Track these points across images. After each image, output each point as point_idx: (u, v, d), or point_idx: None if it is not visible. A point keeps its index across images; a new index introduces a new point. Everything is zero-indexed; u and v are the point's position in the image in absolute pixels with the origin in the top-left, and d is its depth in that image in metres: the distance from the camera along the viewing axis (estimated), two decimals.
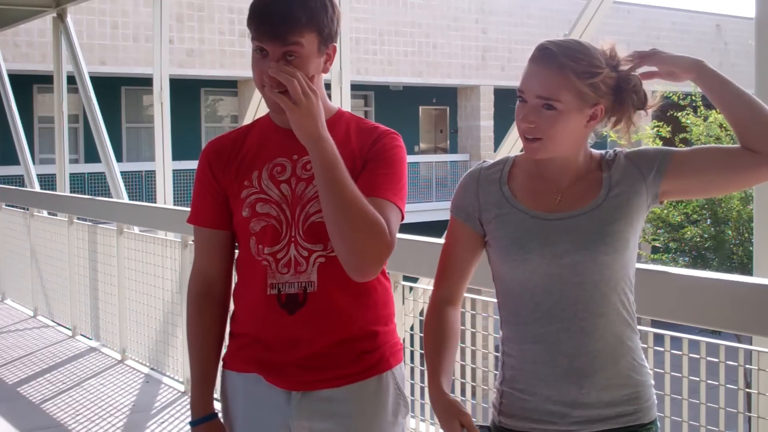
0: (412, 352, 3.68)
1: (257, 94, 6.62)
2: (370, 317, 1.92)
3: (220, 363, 2.02)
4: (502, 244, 1.80)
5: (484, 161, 1.94)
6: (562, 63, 1.76)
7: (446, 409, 1.72)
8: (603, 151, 1.90)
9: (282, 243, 1.87)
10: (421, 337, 3.64)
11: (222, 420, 2.00)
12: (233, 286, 2.02)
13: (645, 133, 18.99)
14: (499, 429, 1.84)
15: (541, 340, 1.77)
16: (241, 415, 1.95)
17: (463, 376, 3.47)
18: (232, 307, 2.03)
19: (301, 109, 1.73)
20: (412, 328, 3.69)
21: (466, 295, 3.43)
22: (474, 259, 1.89)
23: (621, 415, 1.77)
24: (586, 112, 1.78)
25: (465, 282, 1.91)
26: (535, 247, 1.76)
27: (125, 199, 7.88)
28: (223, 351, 2.03)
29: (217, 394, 2.00)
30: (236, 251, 2.01)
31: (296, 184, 1.88)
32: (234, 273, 2.02)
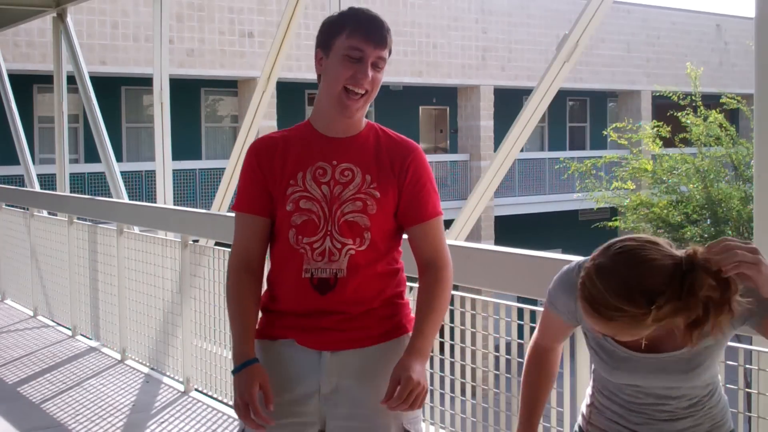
0: None
1: (257, 94, 6.62)
2: (388, 292, 2.27)
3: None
4: (595, 358, 1.96)
5: (580, 262, 1.92)
6: (611, 316, 1.71)
7: None
8: None
9: (319, 235, 2.21)
10: None
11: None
12: (266, 272, 2.33)
13: (645, 132, 18.99)
14: None
15: (621, 417, 1.99)
16: (278, 372, 2.22)
17: (463, 376, 3.47)
18: (264, 286, 2.34)
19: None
20: None
21: (465, 295, 3.45)
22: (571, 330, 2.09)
23: None
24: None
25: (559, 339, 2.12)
26: (623, 376, 1.91)
27: (125, 199, 7.88)
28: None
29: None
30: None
31: (334, 186, 2.22)
32: (267, 260, 2.33)
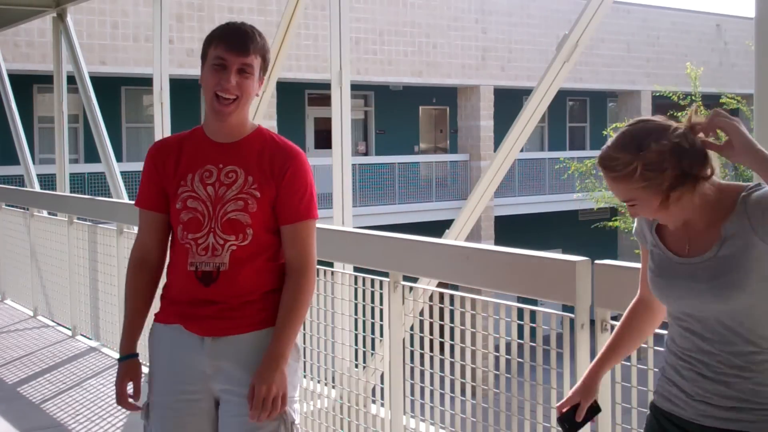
0: (412, 352, 3.67)
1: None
2: (269, 287, 2.47)
3: (152, 318, 2.58)
4: (649, 274, 2.12)
5: None
6: (608, 177, 1.99)
7: (582, 387, 2.27)
8: (746, 186, 1.99)
9: (203, 231, 2.44)
10: (421, 336, 3.64)
11: (149, 361, 2.56)
12: (167, 263, 2.59)
13: None
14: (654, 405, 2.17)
15: (684, 353, 2.06)
16: (167, 354, 2.49)
17: (463, 376, 3.47)
18: (165, 278, 2.59)
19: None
20: (411, 328, 3.69)
21: (465, 295, 3.44)
22: None
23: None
24: (663, 190, 1.94)
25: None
26: (662, 286, 2.06)
27: (125, 199, 7.88)
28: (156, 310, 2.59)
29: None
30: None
31: (219, 187, 2.45)
32: (168, 253, 2.60)
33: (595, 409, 2.29)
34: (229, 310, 2.43)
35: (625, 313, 2.28)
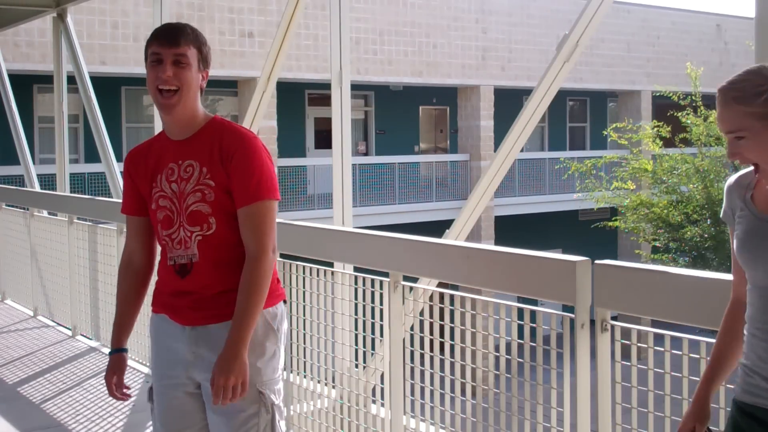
0: (412, 352, 3.67)
1: (257, 94, 6.62)
2: (232, 279, 2.54)
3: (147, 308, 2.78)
4: (735, 244, 2.03)
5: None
6: (726, 100, 1.95)
7: (695, 411, 2.14)
8: None
9: (174, 227, 2.58)
10: (421, 336, 3.64)
11: (151, 342, 2.77)
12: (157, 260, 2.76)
13: (645, 132, 18.99)
14: (736, 402, 2.08)
15: (764, 327, 1.97)
16: (158, 342, 2.71)
17: (463, 376, 3.47)
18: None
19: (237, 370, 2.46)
20: (412, 328, 3.69)
21: (465, 295, 3.44)
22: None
23: None
24: None
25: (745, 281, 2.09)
26: (753, 247, 1.98)
27: None
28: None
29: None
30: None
31: (180, 183, 2.57)
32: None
33: None
34: (203, 300, 2.57)
35: (722, 320, 2.17)
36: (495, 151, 6.63)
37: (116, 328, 2.78)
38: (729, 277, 2.38)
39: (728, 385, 2.64)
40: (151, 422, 4.87)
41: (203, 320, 2.58)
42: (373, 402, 4.04)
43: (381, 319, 3.80)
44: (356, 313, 3.96)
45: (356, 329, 3.99)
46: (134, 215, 2.72)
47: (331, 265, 4.18)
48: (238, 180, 2.52)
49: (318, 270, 4.15)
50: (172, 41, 2.52)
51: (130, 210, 2.73)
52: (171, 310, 2.64)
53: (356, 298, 3.95)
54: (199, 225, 2.55)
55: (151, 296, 2.79)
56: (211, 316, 2.57)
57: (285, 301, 2.73)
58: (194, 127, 2.61)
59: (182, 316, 2.61)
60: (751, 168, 2.04)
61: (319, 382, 4.23)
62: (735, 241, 2.04)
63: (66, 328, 7.21)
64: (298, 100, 21.65)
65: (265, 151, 2.60)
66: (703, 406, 2.15)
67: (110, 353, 2.79)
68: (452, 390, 3.52)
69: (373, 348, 3.98)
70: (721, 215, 2.14)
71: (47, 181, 13.28)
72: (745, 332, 2.05)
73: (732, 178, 2.11)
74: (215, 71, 18.94)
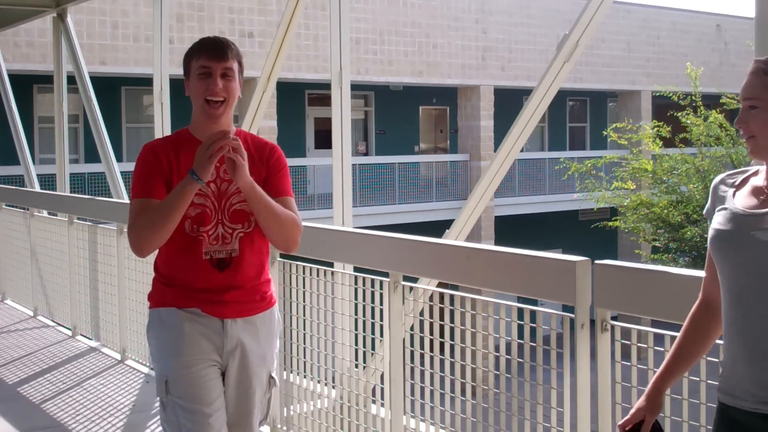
0: (412, 352, 3.67)
1: (257, 94, 6.62)
2: (264, 272, 2.89)
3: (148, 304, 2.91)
4: (709, 236, 2.05)
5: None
6: (757, 70, 1.96)
7: (648, 403, 2.15)
8: None
9: (212, 224, 2.77)
10: (421, 336, 3.64)
11: (160, 343, 2.83)
12: (158, 254, 2.87)
13: (645, 132, 18.98)
14: (719, 403, 2.05)
15: (733, 324, 1.97)
16: (184, 334, 2.75)
17: (463, 376, 3.47)
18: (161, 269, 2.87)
19: (244, 168, 2.65)
20: (412, 328, 3.69)
21: (465, 295, 3.44)
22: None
23: None
24: None
25: (716, 279, 2.09)
26: (724, 237, 1.99)
27: (125, 199, 7.87)
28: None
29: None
30: None
31: (221, 184, 2.78)
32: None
33: (657, 428, 2.17)
34: (245, 293, 2.81)
35: (687, 319, 2.19)
36: (495, 151, 6.63)
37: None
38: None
39: (709, 381, 2.65)
40: (152, 422, 4.88)
41: (242, 313, 2.80)
42: (373, 402, 4.04)
43: (381, 319, 3.80)
44: (356, 313, 3.96)
45: (356, 329, 3.99)
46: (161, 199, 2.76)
47: (331, 265, 4.18)
48: (273, 177, 2.83)
49: (318, 270, 4.15)
50: (221, 56, 2.74)
51: (159, 194, 2.74)
52: (207, 304, 2.77)
53: (356, 298, 3.95)
54: (241, 222, 2.78)
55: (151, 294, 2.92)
56: (253, 308, 2.83)
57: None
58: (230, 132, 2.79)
59: (222, 310, 2.78)
60: (740, 170, 2.08)
61: (319, 382, 4.23)
62: (710, 234, 2.06)
63: (66, 328, 7.21)
64: (298, 100, 21.66)
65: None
66: (656, 399, 2.17)
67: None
68: (452, 390, 3.52)
69: (373, 348, 3.98)
70: (704, 212, 2.15)
71: (47, 181, 13.28)
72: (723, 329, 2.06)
73: (719, 177, 2.13)
74: None
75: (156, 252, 2.87)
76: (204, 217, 2.76)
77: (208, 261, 2.77)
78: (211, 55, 2.74)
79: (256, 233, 2.82)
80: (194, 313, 2.78)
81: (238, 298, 2.80)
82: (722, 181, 2.11)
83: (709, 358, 2.63)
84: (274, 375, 2.93)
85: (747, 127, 1.98)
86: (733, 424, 1.98)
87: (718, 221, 2.03)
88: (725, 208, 2.03)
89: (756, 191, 2.01)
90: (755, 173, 2.07)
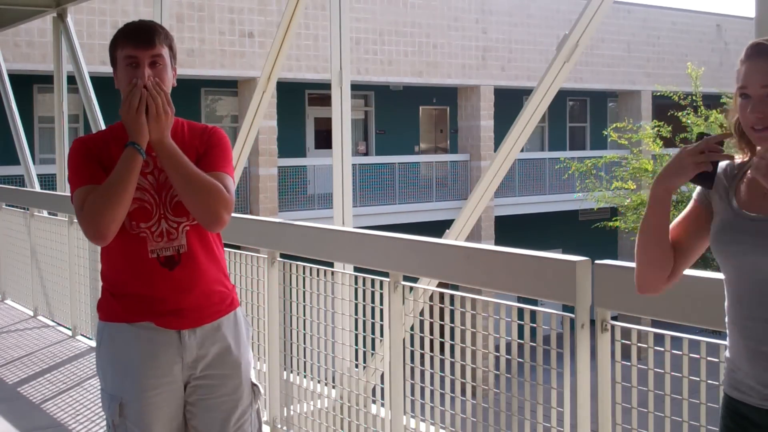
0: (412, 352, 3.67)
1: (257, 94, 6.62)
2: (220, 269, 2.62)
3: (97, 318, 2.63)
4: (711, 233, 2.04)
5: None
6: None
7: (673, 163, 1.99)
8: None
9: (153, 219, 2.51)
10: (421, 336, 3.64)
11: (107, 363, 2.58)
12: (101, 256, 2.62)
13: (646, 132, 18.99)
14: (724, 395, 2.04)
15: (735, 322, 1.97)
16: (140, 352, 2.51)
17: (463, 376, 3.47)
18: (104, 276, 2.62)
19: (162, 120, 2.44)
20: (412, 328, 3.69)
21: (465, 295, 3.44)
22: (694, 232, 2.11)
23: None
24: None
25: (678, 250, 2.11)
26: (726, 241, 1.98)
27: None
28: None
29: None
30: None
31: (159, 174, 2.53)
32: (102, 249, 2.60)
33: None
34: (200, 298, 2.54)
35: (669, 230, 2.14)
36: (495, 151, 6.63)
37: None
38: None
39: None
40: None
41: (201, 321, 2.54)
42: (373, 402, 4.04)
43: (381, 319, 3.80)
44: (356, 313, 3.96)
45: (356, 329, 3.99)
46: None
47: (331, 265, 4.18)
48: (208, 154, 2.56)
49: (318, 270, 4.15)
50: (147, 43, 2.49)
51: (103, 178, 2.46)
52: (161, 316, 2.52)
53: (356, 298, 3.95)
54: (186, 215, 2.52)
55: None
56: (212, 313, 2.57)
57: None
58: None
59: (179, 321, 2.52)
60: (739, 160, 2.01)
61: (319, 382, 4.23)
62: (711, 231, 2.04)
63: (66, 328, 7.21)
64: (298, 100, 21.66)
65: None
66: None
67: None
68: (452, 390, 3.51)
69: (373, 348, 3.98)
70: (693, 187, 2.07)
71: (47, 181, 13.28)
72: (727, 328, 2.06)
73: (721, 164, 2.03)
74: (215, 71, 19.03)
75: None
76: (144, 212, 2.51)
77: (155, 260, 2.51)
78: (136, 42, 2.49)
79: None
80: (147, 327, 2.52)
81: (194, 303, 2.54)
82: (723, 171, 2.04)
83: (709, 358, 2.63)
84: (255, 382, 2.66)
85: (765, 116, 1.87)
86: (741, 418, 1.98)
87: (719, 219, 2.01)
88: (725, 205, 2.01)
89: (755, 186, 1.96)
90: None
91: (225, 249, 2.81)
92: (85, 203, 2.43)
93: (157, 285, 2.51)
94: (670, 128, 18.51)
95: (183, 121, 2.64)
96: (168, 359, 2.52)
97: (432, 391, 3.58)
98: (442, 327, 3.52)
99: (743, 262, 1.94)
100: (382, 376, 3.87)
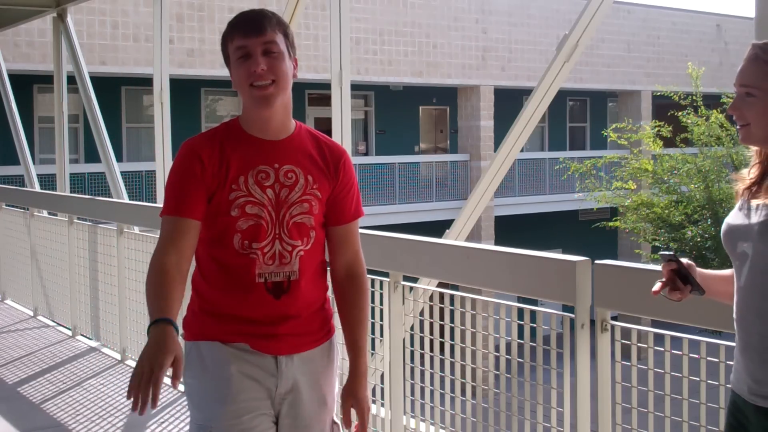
0: (412, 352, 3.67)
1: None
2: (323, 296, 2.39)
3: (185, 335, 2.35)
4: (722, 230, 2.06)
5: None
6: (757, 56, 1.94)
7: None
8: None
9: (267, 239, 2.25)
10: (421, 336, 3.64)
11: (199, 383, 2.28)
12: (194, 273, 2.35)
13: (646, 132, 18.98)
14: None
15: (736, 315, 2.00)
16: (234, 371, 2.25)
17: (463, 376, 3.47)
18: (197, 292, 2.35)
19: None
20: (412, 328, 3.69)
21: (465, 295, 3.44)
22: None
23: None
24: None
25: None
26: (725, 242, 2.01)
27: (125, 199, 7.88)
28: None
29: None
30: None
31: (280, 189, 2.27)
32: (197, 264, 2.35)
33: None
34: (305, 323, 2.32)
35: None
36: (495, 151, 6.63)
37: (169, 300, 2.14)
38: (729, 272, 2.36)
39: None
40: (152, 422, 4.87)
41: (299, 347, 2.30)
42: (373, 402, 4.04)
43: (381, 319, 3.80)
44: None
45: None
46: (197, 219, 2.25)
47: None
48: (344, 196, 2.36)
49: None
50: (258, 31, 2.23)
51: (195, 213, 2.23)
52: (258, 339, 2.27)
53: None
54: (301, 239, 2.28)
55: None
56: (312, 341, 2.33)
57: None
58: (288, 129, 2.35)
59: (277, 346, 2.27)
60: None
61: None
62: (722, 228, 2.09)
63: (66, 328, 7.21)
64: (298, 100, 21.65)
65: None
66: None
67: (161, 321, 2.06)
68: (452, 390, 3.52)
69: (373, 348, 3.98)
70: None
71: (47, 181, 13.28)
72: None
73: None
74: (216, 71, 19.01)
75: (193, 267, 2.35)
76: (259, 231, 2.24)
77: (262, 285, 2.25)
78: (245, 30, 2.24)
79: (317, 249, 2.33)
80: (242, 349, 2.26)
81: (295, 329, 2.29)
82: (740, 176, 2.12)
83: (709, 358, 2.63)
84: (336, 420, 2.44)
85: (741, 114, 1.97)
86: (737, 410, 2.01)
87: (728, 218, 2.06)
88: (735, 205, 2.05)
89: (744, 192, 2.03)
90: None
91: None
92: (156, 247, 2.24)
93: (258, 310, 2.27)
94: (670, 128, 18.51)
95: (306, 129, 2.43)
96: (262, 387, 2.27)
97: (432, 391, 3.59)
98: (442, 327, 3.52)
99: (741, 254, 1.98)
100: (382, 376, 3.87)
